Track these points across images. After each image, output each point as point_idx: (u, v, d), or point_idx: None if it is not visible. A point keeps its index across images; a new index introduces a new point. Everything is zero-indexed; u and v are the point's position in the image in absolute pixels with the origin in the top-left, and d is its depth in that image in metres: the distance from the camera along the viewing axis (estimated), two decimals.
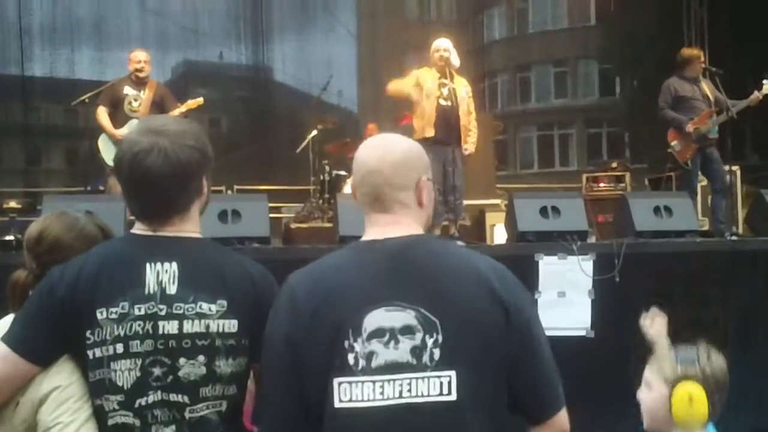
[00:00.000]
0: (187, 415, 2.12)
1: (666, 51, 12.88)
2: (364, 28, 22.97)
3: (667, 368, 2.69)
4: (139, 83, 8.29)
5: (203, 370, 2.12)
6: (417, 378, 1.99)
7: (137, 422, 2.11)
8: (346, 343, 2.00)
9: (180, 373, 2.12)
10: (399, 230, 2.14)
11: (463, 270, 2.11)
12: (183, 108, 8.27)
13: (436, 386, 1.99)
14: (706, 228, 8.47)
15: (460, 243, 6.96)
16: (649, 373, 2.76)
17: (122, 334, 2.11)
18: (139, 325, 2.11)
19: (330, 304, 2.04)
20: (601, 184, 10.86)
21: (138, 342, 2.11)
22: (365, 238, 2.18)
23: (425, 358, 1.99)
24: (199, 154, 2.22)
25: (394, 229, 2.14)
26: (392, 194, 2.14)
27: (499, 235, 8.19)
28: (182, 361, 2.12)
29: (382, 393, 1.98)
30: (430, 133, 7.39)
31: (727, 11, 13.34)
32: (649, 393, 2.73)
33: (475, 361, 2.01)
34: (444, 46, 7.68)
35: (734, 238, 7.55)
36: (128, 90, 8.24)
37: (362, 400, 1.98)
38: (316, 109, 11.79)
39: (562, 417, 2.13)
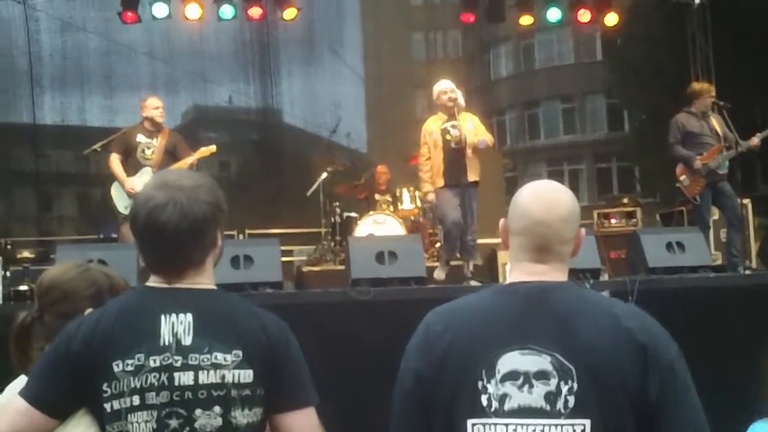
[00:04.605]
0: None
1: (674, 83, 12.90)
2: (371, 69, 23.15)
3: None
4: (152, 131, 8.18)
5: (219, 421, 2.11)
6: (550, 425, 1.97)
7: None
8: (480, 384, 2.00)
9: (196, 425, 2.10)
10: (546, 278, 2.14)
11: (600, 316, 2.06)
12: (196, 156, 8.14)
13: None
14: (719, 262, 8.41)
15: (474, 283, 6.96)
16: None
17: (138, 386, 2.10)
18: (155, 376, 2.10)
19: (463, 343, 2.06)
20: (613, 220, 10.83)
21: (154, 394, 2.10)
22: (509, 281, 2.18)
23: (559, 404, 1.97)
24: (213, 209, 2.23)
25: (543, 277, 2.13)
26: (558, 248, 2.14)
27: None
28: (198, 412, 2.10)
29: None
30: (440, 183, 7.40)
31: (729, 46, 13.37)
32: None
33: (612, 410, 1.96)
34: (450, 87, 7.51)
35: (748, 272, 7.51)
36: (141, 138, 8.11)
37: None
38: (325, 151, 11.81)
39: None
